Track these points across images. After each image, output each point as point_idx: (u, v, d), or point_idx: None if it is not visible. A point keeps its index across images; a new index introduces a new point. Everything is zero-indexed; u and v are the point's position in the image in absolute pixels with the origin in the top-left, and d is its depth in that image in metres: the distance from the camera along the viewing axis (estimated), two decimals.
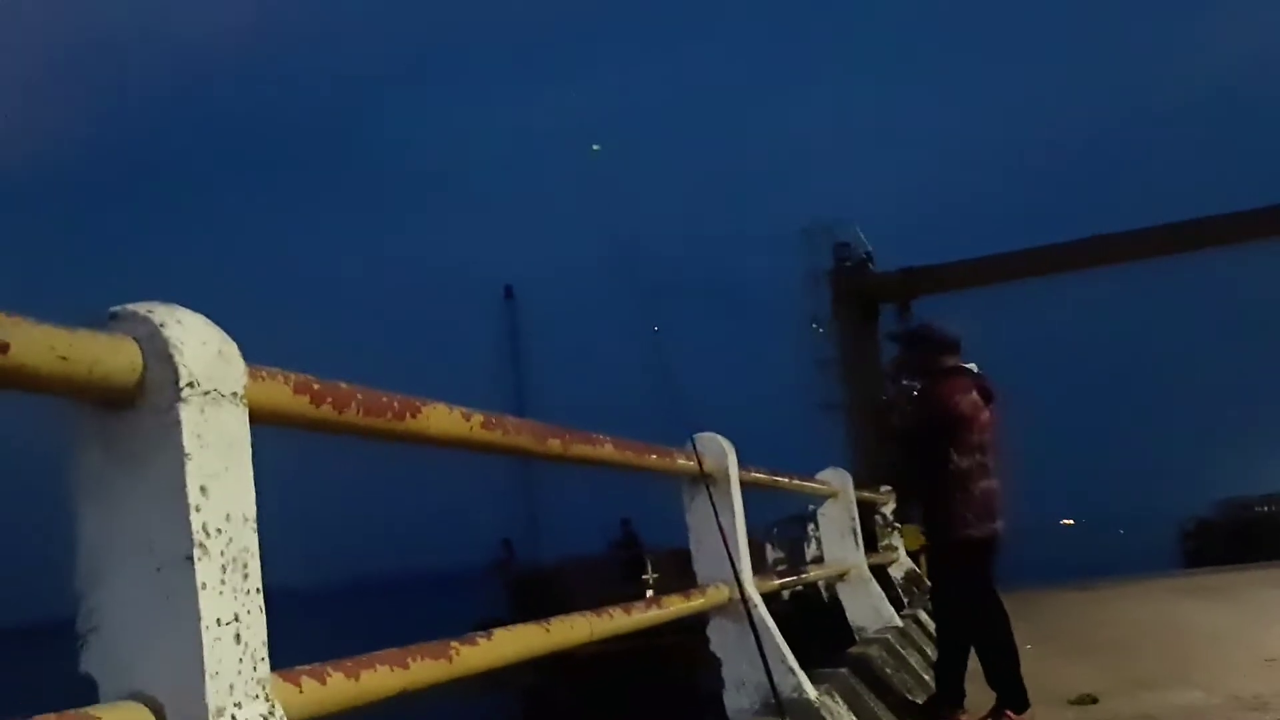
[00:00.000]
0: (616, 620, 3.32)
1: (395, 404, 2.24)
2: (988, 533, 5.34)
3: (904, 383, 5.59)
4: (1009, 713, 5.14)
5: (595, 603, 3.34)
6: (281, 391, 1.92)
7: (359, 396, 2.12)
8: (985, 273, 27.60)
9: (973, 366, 5.53)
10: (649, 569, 17.56)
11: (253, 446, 1.80)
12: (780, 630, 5.53)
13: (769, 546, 17.62)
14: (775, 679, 4.48)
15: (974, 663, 5.42)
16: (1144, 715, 5.04)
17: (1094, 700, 5.54)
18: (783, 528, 18.60)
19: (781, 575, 8.00)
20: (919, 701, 5.74)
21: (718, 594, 4.28)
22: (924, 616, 8.79)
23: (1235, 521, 38.08)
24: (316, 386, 2.00)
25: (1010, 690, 5.20)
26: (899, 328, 6.18)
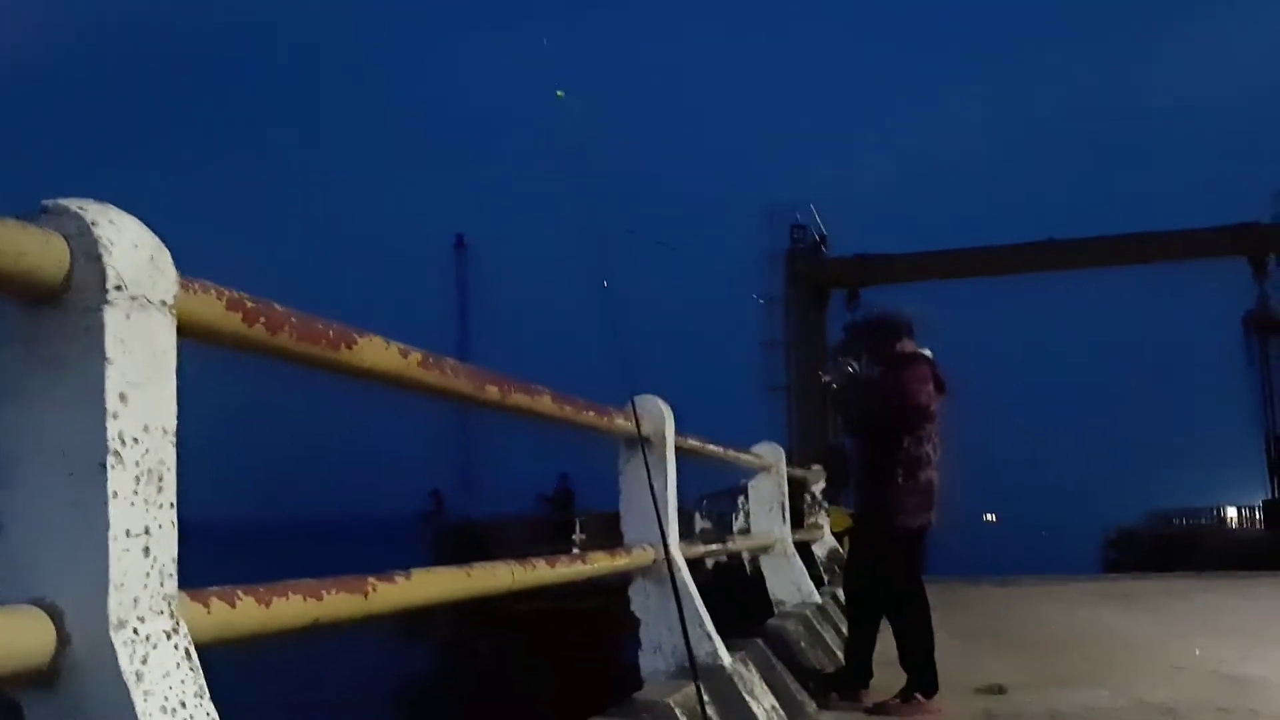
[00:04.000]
0: (539, 571, 3.31)
1: (330, 332, 2.20)
2: (924, 522, 5.45)
3: (849, 369, 5.59)
4: (918, 696, 5.22)
5: None
6: (213, 306, 1.87)
7: (293, 320, 2.08)
8: (936, 267, 27.83)
9: (927, 352, 5.57)
10: (577, 529, 17.58)
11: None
12: (702, 599, 5.57)
13: (697, 516, 17.71)
14: (692, 643, 4.51)
15: (890, 646, 5.49)
16: (1049, 710, 5.12)
17: (1002, 691, 5.63)
18: (712, 500, 18.70)
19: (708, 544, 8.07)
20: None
21: (643, 555, 4.28)
22: (843, 595, 8.88)
23: (1156, 533, 38.86)
24: (250, 305, 1.95)
25: (923, 675, 5.28)
26: (852, 316, 6.29)
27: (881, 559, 5.45)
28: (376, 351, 2.39)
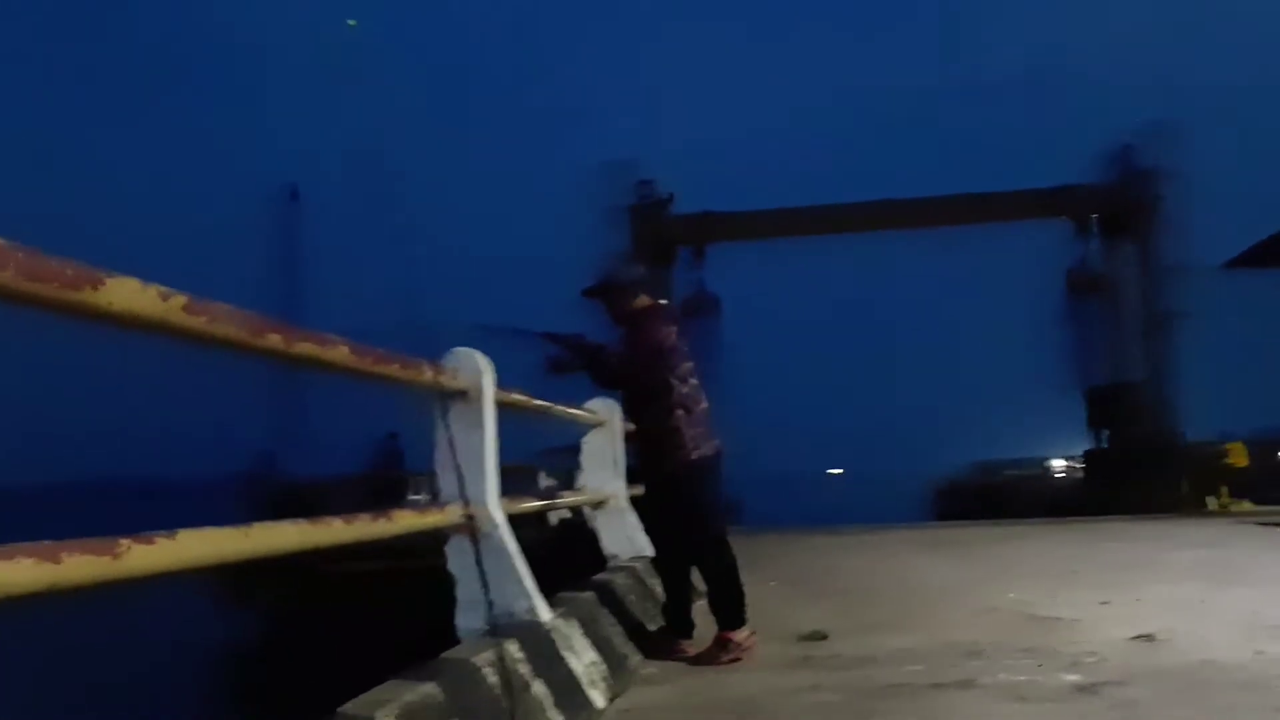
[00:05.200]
0: (334, 530, 3.15)
1: (68, 271, 2.00)
2: (713, 449, 5.57)
3: (583, 343, 5.65)
4: (726, 633, 5.30)
5: None
6: None
7: (20, 257, 1.88)
8: (776, 225, 28.22)
9: (663, 302, 5.81)
10: (417, 489, 17.24)
11: None
12: (546, 556, 5.48)
13: (542, 473, 17.64)
14: (510, 601, 4.43)
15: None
16: (864, 654, 5.23)
17: (823, 637, 5.73)
18: (557, 456, 18.64)
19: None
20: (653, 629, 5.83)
21: (455, 512, 4.15)
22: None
23: (984, 482, 40.53)
24: None
25: (727, 612, 5.37)
26: (592, 282, 6.51)
27: (678, 498, 5.53)
28: (130, 294, 2.19)
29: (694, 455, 5.46)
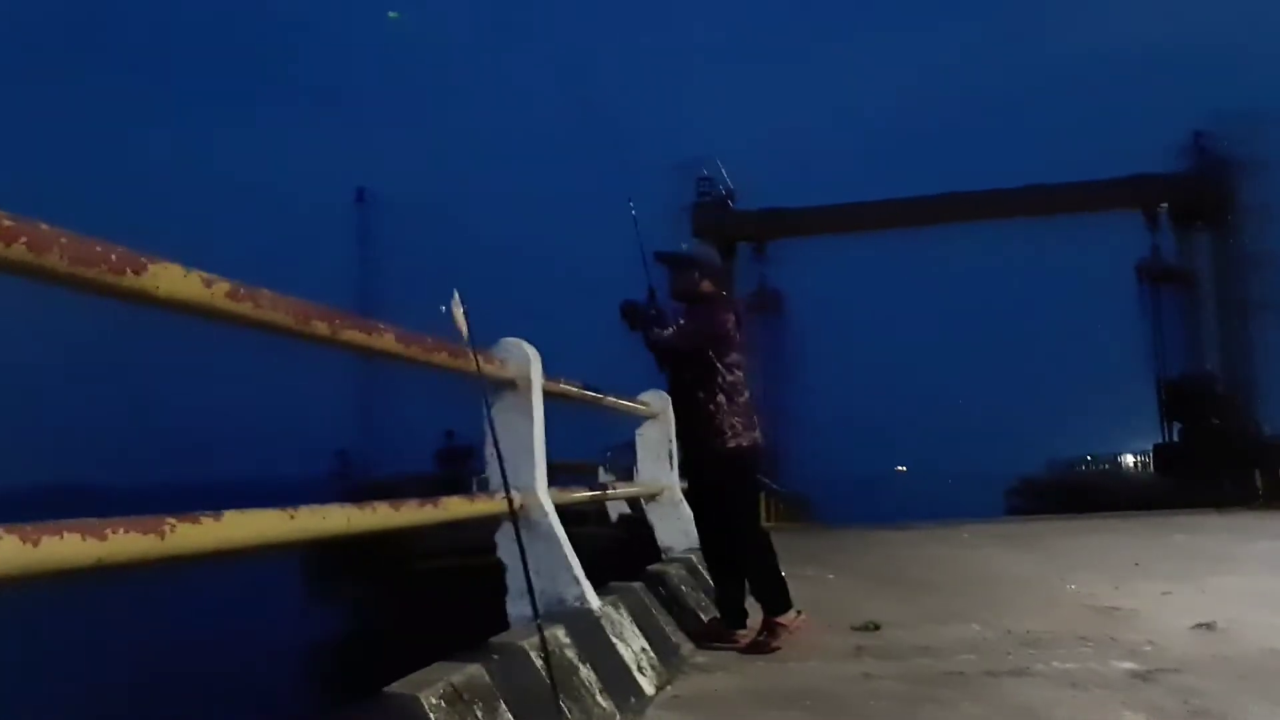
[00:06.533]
0: (381, 514, 3.21)
1: (113, 256, 2.07)
2: (753, 440, 5.58)
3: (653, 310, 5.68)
4: (773, 618, 5.32)
5: None
6: None
7: (64, 241, 1.94)
8: (841, 220, 28.08)
9: (726, 293, 5.86)
10: (481, 487, 17.43)
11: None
12: (606, 550, 5.54)
13: (602, 469, 17.74)
14: (560, 589, 4.49)
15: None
16: (920, 644, 5.19)
17: (877, 628, 5.71)
18: (618, 452, 18.71)
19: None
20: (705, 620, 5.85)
21: (503, 500, 4.20)
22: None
23: (1056, 479, 39.96)
24: (7, 223, 1.82)
25: (771, 598, 5.38)
26: (668, 250, 6.54)
27: (715, 486, 5.57)
28: (173, 279, 2.26)
29: (731, 444, 5.48)
